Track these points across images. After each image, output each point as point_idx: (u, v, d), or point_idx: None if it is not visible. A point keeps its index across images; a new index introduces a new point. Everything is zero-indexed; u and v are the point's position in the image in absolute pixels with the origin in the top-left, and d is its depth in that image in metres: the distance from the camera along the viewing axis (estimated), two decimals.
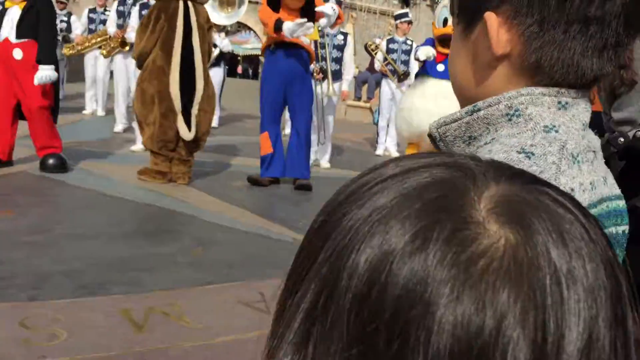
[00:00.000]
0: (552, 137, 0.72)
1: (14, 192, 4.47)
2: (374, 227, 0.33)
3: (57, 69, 5.05)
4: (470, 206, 0.33)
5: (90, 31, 9.75)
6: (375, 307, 0.31)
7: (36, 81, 4.77)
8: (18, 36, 4.87)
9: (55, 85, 5.08)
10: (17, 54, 4.88)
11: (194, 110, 5.25)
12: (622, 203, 0.79)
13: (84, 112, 9.68)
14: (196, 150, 5.41)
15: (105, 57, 8.57)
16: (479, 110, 0.73)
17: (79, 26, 10.10)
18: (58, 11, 10.76)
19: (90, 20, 9.84)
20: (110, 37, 8.35)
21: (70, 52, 9.45)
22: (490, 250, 0.32)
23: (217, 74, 10.09)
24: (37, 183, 4.77)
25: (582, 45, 0.72)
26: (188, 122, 5.19)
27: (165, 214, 4.37)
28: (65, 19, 10.72)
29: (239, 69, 28.85)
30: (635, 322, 0.35)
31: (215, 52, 9.91)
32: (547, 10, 0.71)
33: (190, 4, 5.15)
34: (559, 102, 0.74)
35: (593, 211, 0.74)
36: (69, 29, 10.62)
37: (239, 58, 26.49)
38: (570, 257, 0.32)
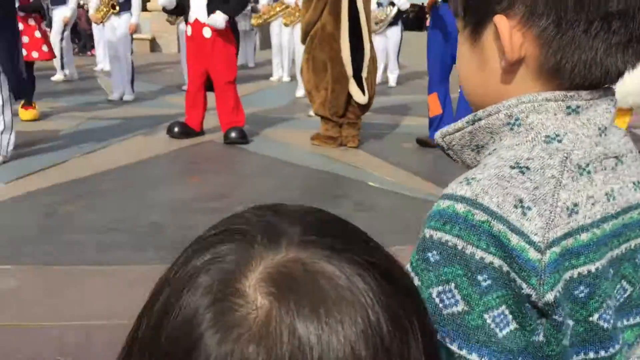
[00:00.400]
0: (554, 148, 0.66)
1: (201, 160, 4.98)
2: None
3: (237, 40, 5.47)
4: (243, 277, 0.37)
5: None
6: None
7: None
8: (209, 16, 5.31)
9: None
10: (207, 32, 5.34)
11: (364, 74, 5.34)
12: None
13: (271, 78, 10.27)
14: (365, 112, 5.51)
15: (286, 26, 8.98)
16: (480, 119, 0.70)
17: None
18: None
19: None
20: (289, 6, 8.72)
21: (258, 21, 10.06)
22: (247, 319, 0.35)
23: (394, 33, 10.03)
24: (221, 152, 5.25)
25: (605, 42, 0.65)
26: (361, 86, 5.31)
27: (333, 178, 4.55)
28: None
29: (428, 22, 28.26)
30: None
31: (393, 10, 9.85)
32: (564, 9, 0.65)
33: None
34: (568, 107, 0.68)
35: (611, 223, 0.67)
36: None
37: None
38: (322, 330, 0.34)
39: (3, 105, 4.56)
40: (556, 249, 0.62)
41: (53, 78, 9.20)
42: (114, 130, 5.87)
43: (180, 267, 0.40)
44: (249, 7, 11.11)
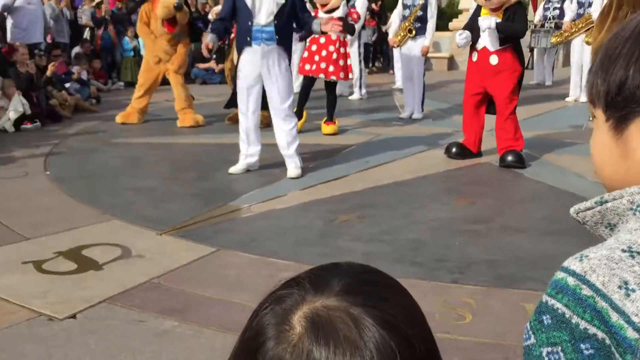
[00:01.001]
0: None
1: (473, 182, 5.10)
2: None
3: (522, 64, 5.49)
4: (292, 314, 0.56)
5: (579, 16, 9.74)
6: None
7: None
8: (495, 45, 5.43)
9: None
10: (494, 59, 5.46)
11: None
12: None
13: (566, 99, 9.78)
14: None
15: (588, 44, 8.47)
16: (607, 202, 0.76)
17: (569, 13, 10.17)
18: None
19: (579, 5, 9.79)
20: (593, 22, 8.21)
21: (558, 40, 9.68)
22: (289, 338, 0.55)
23: None
24: (495, 175, 5.28)
25: None
26: None
27: None
28: (558, 5, 10.92)
29: None
30: None
31: None
32: None
33: None
34: None
35: None
36: (561, 15, 10.79)
37: None
38: (329, 356, 0.52)
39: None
40: None
41: (350, 97, 10.15)
42: (398, 147, 6.32)
43: (263, 304, 0.61)
44: (552, 24, 10.75)
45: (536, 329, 0.75)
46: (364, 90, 10.22)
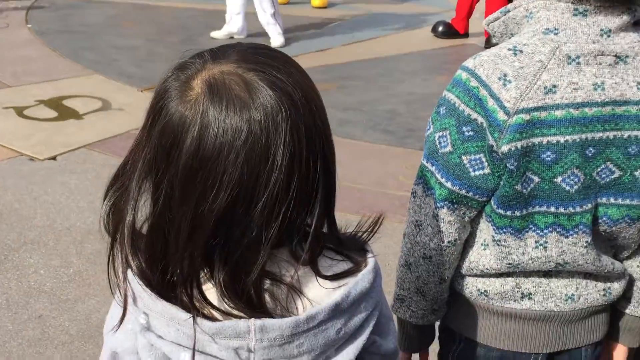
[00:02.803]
0: (549, 39, 0.79)
1: (456, 61, 5.10)
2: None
3: None
4: (192, 79, 0.66)
5: None
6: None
7: None
8: None
9: None
10: None
11: None
12: None
13: None
14: None
15: None
16: (509, 11, 0.85)
17: None
18: None
19: None
20: None
21: None
22: (190, 97, 0.65)
23: None
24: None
25: None
26: None
27: None
28: None
29: None
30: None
31: None
32: None
33: None
34: (576, 9, 0.79)
35: (595, 109, 0.78)
36: None
37: None
38: (221, 111, 0.63)
39: None
40: (524, 116, 0.78)
41: None
42: (386, 23, 6.25)
43: (169, 72, 0.69)
44: None
45: (434, 119, 0.87)
46: None
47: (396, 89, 4.32)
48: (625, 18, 0.80)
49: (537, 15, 0.82)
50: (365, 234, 0.78)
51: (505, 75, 0.80)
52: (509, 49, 0.82)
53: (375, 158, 3.25)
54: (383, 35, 5.84)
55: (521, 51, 0.81)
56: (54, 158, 3.03)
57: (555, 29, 0.81)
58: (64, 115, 3.53)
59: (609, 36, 0.80)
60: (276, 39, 5.15)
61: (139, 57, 4.72)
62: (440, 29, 5.73)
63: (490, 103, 0.80)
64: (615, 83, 0.79)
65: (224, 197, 0.64)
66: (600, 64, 0.79)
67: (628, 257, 0.93)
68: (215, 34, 5.26)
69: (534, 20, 0.83)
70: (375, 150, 3.33)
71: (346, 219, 2.78)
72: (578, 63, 0.79)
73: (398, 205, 2.72)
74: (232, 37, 5.24)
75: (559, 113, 0.78)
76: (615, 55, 0.79)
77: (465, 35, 5.78)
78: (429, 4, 7.52)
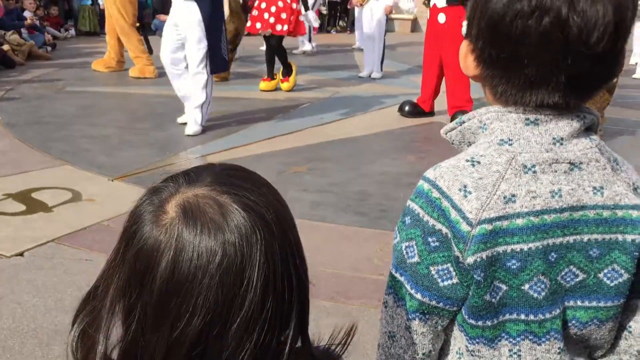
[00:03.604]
0: (504, 149, 0.82)
1: (423, 140, 5.24)
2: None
3: None
4: (166, 203, 0.67)
5: None
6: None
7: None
8: (442, 2, 5.51)
9: None
10: (441, 18, 5.55)
11: None
12: (635, 213, 0.82)
13: None
14: None
15: None
16: (463, 122, 0.88)
17: None
18: None
19: None
20: None
21: None
22: (165, 222, 0.65)
23: None
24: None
25: (520, 78, 0.83)
26: None
27: None
28: None
29: None
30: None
31: None
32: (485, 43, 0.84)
33: None
34: (527, 119, 0.83)
35: (554, 216, 0.80)
36: None
37: None
38: (196, 235, 0.63)
39: (207, 80, 5.09)
40: (487, 226, 0.79)
41: (295, 51, 10.15)
42: (354, 105, 6.42)
43: (143, 197, 0.70)
44: None
45: (400, 228, 0.88)
46: (313, 44, 10.29)
47: (367, 169, 4.38)
48: (575, 125, 0.83)
49: (491, 126, 0.86)
50: (338, 347, 0.78)
51: (465, 186, 0.82)
52: (467, 160, 0.85)
53: (348, 241, 3.25)
54: (351, 116, 5.98)
55: (479, 162, 0.84)
56: (21, 254, 2.96)
57: (509, 140, 0.84)
58: (32, 209, 3.49)
59: (561, 144, 0.83)
60: (191, 128, 5.11)
61: (110, 146, 4.73)
62: (407, 108, 5.90)
63: (453, 214, 0.82)
64: (572, 189, 0.82)
65: (198, 321, 0.64)
66: (556, 171, 0.82)
67: (602, 356, 0.93)
68: (182, 119, 5.31)
69: (489, 131, 0.86)
70: (349, 233, 3.34)
71: (321, 305, 2.75)
72: (534, 172, 0.82)
73: (374, 289, 2.70)
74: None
75: (520, 221, 0.80)
76: (570, 163, 0.82)
77: (432, 113, 5.95)
78: (395, 85, 7.78)
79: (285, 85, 6.98)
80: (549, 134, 0.83)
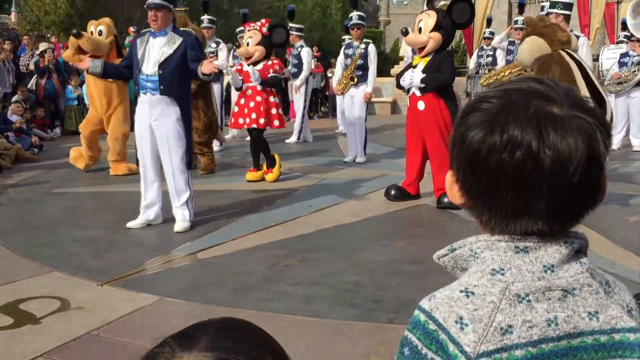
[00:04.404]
0: (497, 279, 0.83)
1: (411, 224, 5.27)
2: None
3: (453, 108, 5.70)
4: None
5: (508, 62, 10.30)
6: None
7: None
8: (422, 91, 5.70)
9: None
10: (421, 105, 5.73)
11: None
12: (632, 336, 0.82)
13: None
14: None
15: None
16: (455, 250, 0.90)
17: (500, 60, 10.76)
18: (484, 47, 11.67)
19: (509, 52, 10.37)
20: (523, 69, 8.72)
21: (488, 81, 10.19)
22: None
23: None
24: (433, 216, 5.48)
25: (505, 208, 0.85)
26: None
27: None
28: (491, 53, 11.58)
29: None
30: None
31: None
32: (466, 175, 0.88)
33: None
34: (517, 247, 0.84)
35: (552, 345, 0.80)
36: (494, 62, 11.41)
37: None
38: None
39: (188, 176, 5.11)
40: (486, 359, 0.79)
41: (287, 141, 10.31)
42: (340, 191, 6.48)
43: None
44: (485, 70, 11.32)
45: (399, 359, 0.88)
46: (302, 136, 10.42)
47: (358, 257, 4.37)
48: (564, 252, 0.85)
49: (482, 255, 0.87)
50: None
51: (461, 318, 0.83)
52: (461, 291, 0.86)
53: (343, 336, 3.20)
54: (339, 202, 6.02)
55: (473, 293, 0.85)
56: None
57: (501, 269, 0.85)
58: (20, 321, 3.41)
59: (552, 271, 0.84)
60: (179, 225, 5.08)
61: (98, 248, 4.70)
62: (393, 192, 5.96)
63: (451, 348, 0.82)
64: (568, 316, 0.83)
65: None
66: (550, 299, 0.83)
67: None
68: (131, 224, 5.22)
69: (480, 260, 0.87)
70: (344, 328, 3.28)
71: None
72: (529, 301, 0.83)
73: None
74: (149, 225, 5.24)
75: (518, 353, 0.81)
76: (563, 290, 0.84)
77: (418, 196, 6.01)
78: (380, 168, 7.90)
79: (269, 177, 7.03)
80: (539, 261, 0.84)
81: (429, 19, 5.66)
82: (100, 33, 7.44)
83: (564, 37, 5.52)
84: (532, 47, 5.46)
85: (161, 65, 4.93)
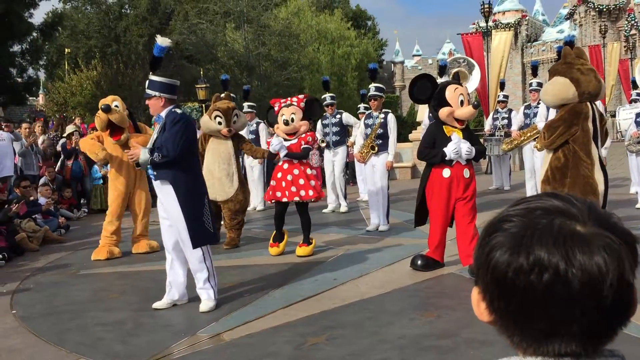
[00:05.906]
0: None
1: (439, 295, 5.19)
2: None
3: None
4: None
5: (526, 125, 10.34)
6: None
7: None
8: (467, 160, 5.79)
9: None
10: (467, 172, 5.78)
11: None
12: None
13: None
14: None
15: (538, 150, 8.94)
16: None
17: (516, 122, 10.82)
18: (499, 110, 11.75)
19: (525, 116, 10.44)
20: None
21: (509, 147, 10.21)
22: None
23: None
24: (461, 285, 5.40)
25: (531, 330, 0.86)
26: None
27: None
28: (506, 115, 11.68)
29: None
30: None
31: None
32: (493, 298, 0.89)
33: None
34: None
35: None
36: (509, 124, 11.48)
37: None
38: None
39: (203, 254, 5.08)
40: None
41: (325, 210, 10.37)
42: (365, 261, 6.44)
43: None
44: (502, 132, 11.37)
45: None
46: (346, 202, 10.57)
47: (386, 333, 4.29)
48: None
49: None
50: None
51: None
52: None
53: None
54: (364, 274, 5.96)
55: None
56: None
57: None
58: None
59: None
60: (205, 304, 5.07)
61: (125, 332, 4.69)
62: (419, 262, 5.90)
63: None
64: None
65: None
66: None
67: None
68: (157, 304, 5.24)
69: None
70: None
71: None
72: None
73: None
74: (174, 305, 5.24)
75: None
76: None
77: (443, 264, 5.94)
78: (403, 236, 7.85)
79: (300, 251, 6.96)
80: None
81: (467, 91, 5.90)
82: (116, 107, 7.68)
83: (596, 90, 5.47)
84: (556, 93, 5.49)
85: (151, 152, 5.03)
